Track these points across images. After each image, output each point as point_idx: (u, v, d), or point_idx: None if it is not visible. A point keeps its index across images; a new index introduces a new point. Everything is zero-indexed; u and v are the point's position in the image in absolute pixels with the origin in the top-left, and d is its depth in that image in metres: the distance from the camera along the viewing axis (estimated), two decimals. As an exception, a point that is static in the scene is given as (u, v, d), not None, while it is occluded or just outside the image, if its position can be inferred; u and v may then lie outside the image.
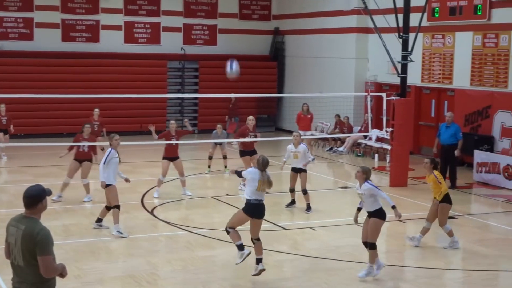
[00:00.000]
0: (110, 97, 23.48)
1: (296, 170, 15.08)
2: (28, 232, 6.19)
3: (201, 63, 28.65)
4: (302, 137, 22.52)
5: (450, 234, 12.48)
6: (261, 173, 10.21)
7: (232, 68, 15.89)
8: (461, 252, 12.63)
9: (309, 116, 22.56)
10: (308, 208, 14.92)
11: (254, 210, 10.21)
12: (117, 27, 27.68)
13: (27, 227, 6.22)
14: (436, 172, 12.54)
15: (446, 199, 12.51)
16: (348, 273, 10.80)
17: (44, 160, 20.88)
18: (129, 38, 27.96)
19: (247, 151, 16.77)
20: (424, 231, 12.59)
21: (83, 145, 15.56)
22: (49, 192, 6.45)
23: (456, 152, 17.82)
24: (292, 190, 15.19)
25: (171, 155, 16.15)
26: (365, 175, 10.60)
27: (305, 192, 14.89)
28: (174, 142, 16.05)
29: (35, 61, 26.12)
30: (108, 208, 12.98)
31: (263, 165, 10.21)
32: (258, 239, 10.31)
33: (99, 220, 13.19)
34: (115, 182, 12.82)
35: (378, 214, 10.53)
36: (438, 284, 10.50)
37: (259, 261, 10.24)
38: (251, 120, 16.96)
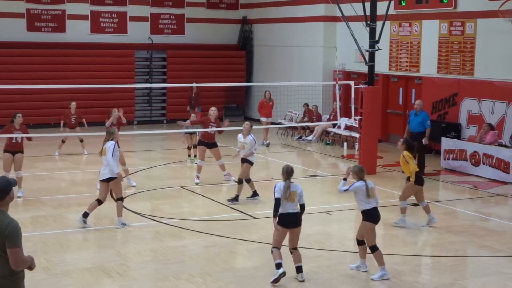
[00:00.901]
0: (77, 87, 23.33)
1: (242, 160, 14.89)
2: (-3, 224, 6.12)
3: (169, 52, 28.50)
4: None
5: (427, 210, 12.95)
6: (286, 183, 9.86)
7: None
8: (429, 238, 12.76)
9: (271, 103, 23.38)
10: (254, 194, 14.80)
11: (291, 220, 9.87)
12: (83, 17, 27.40)
13: (-5, 220, 6.15)
14: (405, 152, 12.69)
15: (418, 180, 12.76)
16: (317, 261, 10.86)
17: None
18: (96, 27, 27.70)
19: (206, 142, 16.67)
20: (403, 210, 12.93)
21: (16, 136, 14.92)
22: (14, 183, 6.39)
23: (424, 140, 17.96)
24: (240, 182, 14.77)
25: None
26: (355, 175, 10.35)
27: (240, 181, 14.61)
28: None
29: None
30: (99, 201, 12.75)
31: (287, 174, 9.90)
32: (296, 249, 10.06)
33: (86, 215, 12.76)
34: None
35: (364, 216, 10.30)
36: (407, 270, 10.58)
37: (299, 269, 10.00)
38: (213, 111, 16.86)
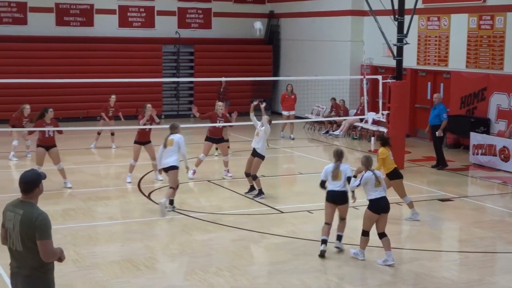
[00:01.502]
0: (104, 81, 23.44)
1: (253, 153, 14.60)
2: (27, 216, 6.19)
3: (196, 47, 28.55)
4: (287, 116, 23.15)
5: (410, 206, 12.91)
6: (336, 164, 10.80)
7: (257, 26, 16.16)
8: (457, 234, 12.69)
9: (292, 96, 23.52)
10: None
11: (338, 197, 10.75)
12: (111, 11, 27.54)
13: (25, 212, 6.22)
14: (380, 150, 12.76)
15: (395, 175, 12.77)
16: (345, 255, 10.83)
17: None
18: (124, 22, 27.84)
19: (212, 137, 16.66)
20: (410, 205, 13.03)
21: (48, 130, 15.11)
22: (44, 176, 6.45)
23: (438, 132, 17.91)
24: (248, 175, 14.75)
25: (214, 135, 16.50)
26: (363, 165, 10.70)
27: (248, 175, 14.59)
28: (220, 124, 16.47)
29: (28, 46, 25.97)
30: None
31: (338, 156, 10.89)
32: (344, 219, 11.00)
33: (171, 202, 13.39)
34: None
35: (369, 205, 10.54)
36: (435, 266, 10.53)
37: (339, 238, 10.99)
38: (220, 106, 16.85)
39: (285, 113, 23.75)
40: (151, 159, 16.07)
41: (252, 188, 14.82)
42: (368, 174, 10.53)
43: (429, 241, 11.82)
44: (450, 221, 13.42)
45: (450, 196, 15.12)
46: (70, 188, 15.18)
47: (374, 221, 10.55)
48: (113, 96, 21.20)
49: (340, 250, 10.94)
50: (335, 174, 10.75)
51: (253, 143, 14.66)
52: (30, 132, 15.26)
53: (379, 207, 10.48)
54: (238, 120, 17.07)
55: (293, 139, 22.80)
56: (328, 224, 10.84)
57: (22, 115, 18.85)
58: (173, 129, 13.69)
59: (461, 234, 12.60)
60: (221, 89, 24.73)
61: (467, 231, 12.63)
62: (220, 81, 24.34)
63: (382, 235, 10.51)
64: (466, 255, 11.17)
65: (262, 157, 14.52)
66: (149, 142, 16.10)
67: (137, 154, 15.94)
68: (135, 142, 16.07)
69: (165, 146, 13.40)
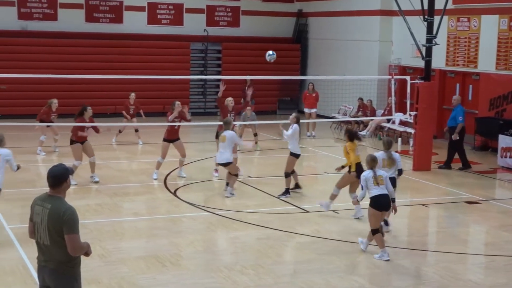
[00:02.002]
0: (133, 78, 23.60)
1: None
2: (55, 211, 6.25)
3: (224, 45, 28.60)
4: (309, 114, 23.25)
5: (355, 203, 12.70)
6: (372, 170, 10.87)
7: (270, 55, 16.32)
8: (484, 237, 12.58)
9: (314, 94, 23.77)
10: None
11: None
12: (140, 8, 27.69)
13: (53, 206, 6.28)
14: (348, 143, 12.97)
15: (358, 172, 12.57)
16: (370, 256, 10.80)
17: (67, 140, 20.97)
18: (152, 19, 27.98)
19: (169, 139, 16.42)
20: (333, 196, 13.03)
21: (86, 127, 15.48)
22: (71, 171, 6.51)
23: (453, 136, 17.85)
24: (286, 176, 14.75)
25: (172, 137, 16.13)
26: (367, 164, 10.92)
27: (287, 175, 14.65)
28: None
29: (58, 42, 26.22)
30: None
31: (389, 144, 11.93)
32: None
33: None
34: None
35: (370, 202, 10.70)
36: (460, 268, 10.46)
37: (385, 222, 11.70)
38: (230, 101, 16.87)
39: (306, 110, 24.00)
40: (181, 156, 16.14)
41: (297, 186, 14.89)
42: (368, 172, 10.71)
43: (455, 244, 11.73)
44: (477, 223, 13.32)
45: (477, 198, 14.99)
46: (97, 182, 15.29)
47: (379, 218, 10.63)
48: (133, 94, 21.33)
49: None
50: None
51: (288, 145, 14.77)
52: (81, 129, 15.41)
53: (382, 203, 10.59)
54: (263, 118, 17.05)
55: (313, 136, 22.88)
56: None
57: (50, 110, 19.01)
58: (227, 125, 14.31)
59: (487, 237, 12.49)
60: (246, 88, 24.76)
61: (494, 234, 12.51)
62: (245, 79, 24.37)
63: (377, 231, 10.65)
64: (493, 258, 11.07)
65: (295, 156, 14.56)
66: (178, 139, 16.13)
67: (165, 151, 15.99)
68: (164, 140, 16.11)
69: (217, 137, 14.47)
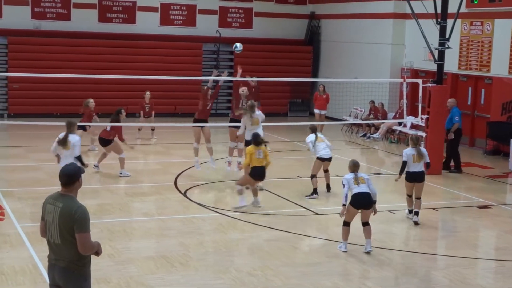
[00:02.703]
0: (145, 78, 23.66)
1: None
2: (66, 209, 6.28)
3: (236, 46, 28.59)
4: (319, 115, 23.38)
5: (240, 192, 13.46)
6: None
7: (237, 47, 16.68)
8: (494, 241, 12.54)
9: (324, 96, 23.75)
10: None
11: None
12: (153, 9, 27.76)
13: (64, 205, 6.31)
14: (249, 147, 13.49)
15: (252, 174, 13.39)
16: (379, 259, 10.78)
17: (81, 139, 21.05)
18: (165, 20, 28.04)
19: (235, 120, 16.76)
20: (240, 191, 13.51)
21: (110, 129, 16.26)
22: (83, 170, 6.55)
23: (448, 135, 17.95)
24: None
25: (237, 118, 16.65)
26: (349, 168, 11.33)
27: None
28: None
29: (71, 41, 26.32)
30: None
31: (417, 140, 13.01)
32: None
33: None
34: None
35: (351, 200, 11.09)
36: (470, 273, 10.42)
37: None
38: (243, 90, 17.18)
39: (316, 111, 24.06)
40: (206, 141, 16.40)
41: (328, 187, 15.22)
42: (350, 175, 11.15)
43: (465, 248, 11.69)
44: (487, 228, 13.27)
45: (488, 203, 14.94)
46: (128, 176, 15.57)
47: (353, 214, 11.07)
48: (148, 93, 21.53)
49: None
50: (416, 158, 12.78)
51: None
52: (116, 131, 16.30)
53: (359, 202, 10.96)
54: (274, 120, 17.06)
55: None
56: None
57: (90, 110, 19.25)
58: (252, 108, 15.05)
59: (498, 242, 12.45)
60: (253, 89, 24.76)
61: (504, 239, 12.46)
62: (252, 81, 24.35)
63: (365, 224, 11.10)
64: (503, 263, 11.03)
65: (320, 159, 14.86)
66: (206, 122, 16.44)
67: (198, 136, 16.34)
68: (195, 121, 16.37)
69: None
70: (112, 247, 10.83)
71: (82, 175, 6.52)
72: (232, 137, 16.76)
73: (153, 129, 21.43)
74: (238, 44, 17.35)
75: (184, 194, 14.74)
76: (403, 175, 13.09)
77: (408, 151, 12.97)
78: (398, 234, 12.57)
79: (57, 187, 6.51)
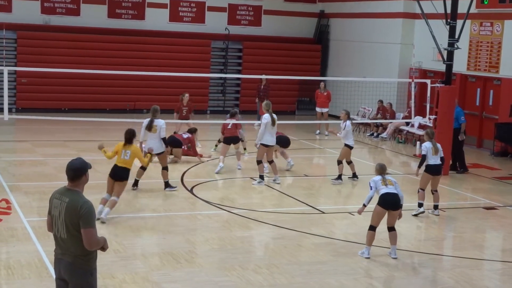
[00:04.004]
0: (153, 74, 23.69)
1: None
2: (72, 204, 6.29)
3: (245, 43, 28.61)
4: (320, 113, 23.58)
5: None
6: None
7: None
8: (501, 243, 12.50)
9: (325, 93, 24.06)
10: None
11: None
12: (162, 5, 27.76)
13: (71, 200, 6.32)
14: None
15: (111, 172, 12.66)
16: (385, 258, 10.76)
17: (87, 134, 21.15)
18: (174, 16, 28.05)
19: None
20: (103, 201, 12.23)
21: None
22: (90, 166, 6.55)
23: (459, 136, 17.94)
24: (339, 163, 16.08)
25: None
26: (376, 171, 11.22)
27: (339, 162, 15.80)
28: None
29: (81, 37, 26.33)
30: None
31: (432, 134, 13.27)
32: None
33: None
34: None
35: (378, 200, 10.91)
36: (476, 274, 10.40)
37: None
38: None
39: (318, 109, 24.19)
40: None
41: (354, 175, 16.14)
42: (377, 177, 10.99)
43: (471, 249, 11.66)
44: (494, 229, 13.23)
45: (495, 204, 14.89)
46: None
47: (381, 216, 10.79)
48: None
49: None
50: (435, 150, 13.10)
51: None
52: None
53: (387, 201, 10.74)
54: (282, 118, 17.03)
55: (327, 135, 22.91)
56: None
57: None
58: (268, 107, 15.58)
59: (504, 244, 12.41)
60: (261, 87, 24.79)
61: (511, 240, 12.43)
62: (260, 79, 24.38)
63: (391, 229, 10.88)
64: (510, 265, 10.99)
65: (348, 147, 15.97)
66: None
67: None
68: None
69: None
70: (118, 243, 10.84)
71: (89, 170, 6.53)
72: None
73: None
74: None
75: (191, 191, 14.74)
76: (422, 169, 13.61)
77: (427, 145, 13.39)
78: (404, 234, 12.53)
79: (63, 182, 6.53)
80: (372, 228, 10.80)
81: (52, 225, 6.48)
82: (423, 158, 13.47)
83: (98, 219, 11.46)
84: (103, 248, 6.48)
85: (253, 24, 29.15)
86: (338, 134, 16.21)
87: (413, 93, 20.91)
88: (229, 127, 16.80)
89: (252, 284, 9.44)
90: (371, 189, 10.89)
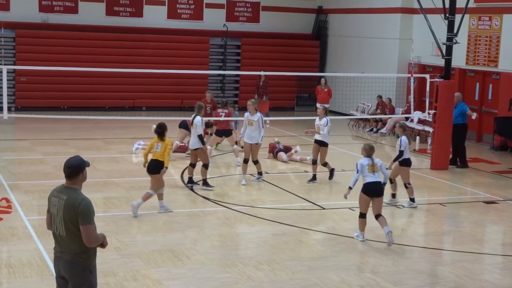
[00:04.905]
0: (152, 72, 23.66)
1: (317, 142, 15.48)
2: (70, 202, 6.30)
3: (243, 40, 28.59)
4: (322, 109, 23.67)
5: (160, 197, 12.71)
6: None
7: None
8: (501, 237, 12.51)
9: (326, 89, 23.89)
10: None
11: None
12: (160, 3, 27.74)
13: (69, 197, 6.33)
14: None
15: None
16: (385, 254, 10.77)
17: (87, 133, 21.15)
18: (172, 13, 28.01)
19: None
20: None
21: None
22: (87, 164, 6.55)
23: (473, 116, 18.42)
24: (314, 162, 15.60)
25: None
26: (364, 151, 11.61)
27: (314, 162, 15.53)
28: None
29: (79, 35, 26.31)
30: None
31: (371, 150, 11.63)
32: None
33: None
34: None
35: (362, 188, 11.27)
36: (477, 268, 10.40)
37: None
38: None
39: (318, 106, 23.98)
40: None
41: (314, 177, 15.54)
42: (364, 160, 11.32)
43: (471, 243, 11.67)
44: (494, 224, 13.24)
45: (495, 198, 14.90)
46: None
47: (368, 203, 11.19)
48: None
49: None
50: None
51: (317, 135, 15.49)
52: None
53: (372, 190, 11.10)
54: (281, 115, 17.04)
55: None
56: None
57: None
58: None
59: (505, 238, 12.42)
60: (260, 83, 24.76)
61: (511, 234, 12.43)
62: (259, 75, 24.35)
63: (377, 216, 11.17)
64: (510, 259, 11.00)
65: (326, 145, 15.53)
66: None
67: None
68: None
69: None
70: (118, 241, 10.84)
71: (88, 168, 6.53)
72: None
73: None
74: None
75: (191, 188, 14.73)
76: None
77: (406, 139, 13.37)
78: (404, 229, 12.55)
79: (63, 180, 6.52)
80: (362, 215, 11.26)
81: (51, 223, 6.49)
82: (401, 153, 13.40)
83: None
84: (103, 244, 6.48)
85: (251, 21, 29.12)
86: (321, 132, 15.35)
87: (412, 88, 20.90)
88: (221, 119, 16.96)
89: (253, 280, 9.45)
90: (357, 172, 11.21)
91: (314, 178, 15.60)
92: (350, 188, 11.35)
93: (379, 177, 11.18)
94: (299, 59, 28.84)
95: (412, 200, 13.63)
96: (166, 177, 15.56)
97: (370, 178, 11.13)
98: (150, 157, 12.63)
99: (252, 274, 9.67)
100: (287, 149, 18.17)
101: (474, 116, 18.27)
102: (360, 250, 10.93)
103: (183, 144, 17.87)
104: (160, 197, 12.64)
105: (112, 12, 27.14)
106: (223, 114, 17.46)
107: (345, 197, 11.47)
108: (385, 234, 10.99)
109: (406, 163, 13.48)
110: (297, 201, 14.02)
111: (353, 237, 11.52)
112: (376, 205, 11.20)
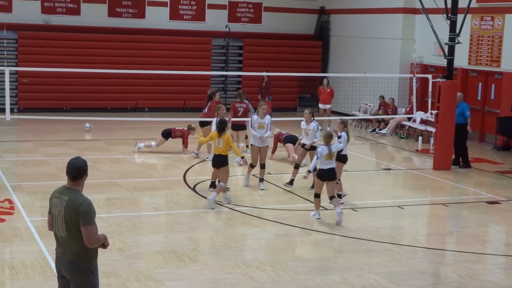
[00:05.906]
0: (154, 73, 23.67)
1: (303, 146, 15.22)
2: (71, 202, 6.31)
3: (246, 41, 28.60)
4: (323, 109, 23.41)
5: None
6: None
7: None
8: (504, 237, 12.50)
9: (328, 90, 24.01)
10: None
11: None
12: (162, 4, 27.75)
13: (70, 198, 6.33)
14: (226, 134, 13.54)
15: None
16: (388, 254, 10.76)
17: (89, 134, 21.16)
18: (175, 14, 28.03)
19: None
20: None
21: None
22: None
23: (468, 128, 18.18)
24: (297, 167, 15.22)
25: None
26: (324, 139, 12.46)
27: (297, 166, 15.20)
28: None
29: (81, 36, 26.34)
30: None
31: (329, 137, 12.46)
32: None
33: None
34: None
35: (318, 173, 12.45)
36: (479, 268, 10.39)
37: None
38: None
39: (321, 106, 24.13)
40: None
41: (291, 182, 15.13)
42: (323, 148, 12.26)
43: (474, 244, 11.66)
44: (497, 224, 13.22)
45: (497, 198, 14.89)
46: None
47: (322, 185, 12.40)
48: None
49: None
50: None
51: (304, 140, 15.09)
52: None
53: (326, 175, 12.29)
54: (283, 115, 17.04)
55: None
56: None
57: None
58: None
59: (507, 238, 12.40)
60: (263, 84, 24.75)
61: (514, 235, 12.42)
62: (262, 75, 24.35)
63: (331, 198, 12.36)
64: (512, 259, 10.99)
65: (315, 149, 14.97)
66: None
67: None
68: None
69: None
70: (121, 242, 10.85)
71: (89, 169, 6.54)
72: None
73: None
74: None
75: (193, 189, 14.74)
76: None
77: (345, 135, 13.55)
78: (407, 229, 12.54)
79: (66, 181, 6.52)
80: (317, 195, 12.52)
81: (53, 224, 6.50)
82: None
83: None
84: (104, 245, 6.49)
85: (253, 21, 29.13)
86: (315, 140, 14.85)
87: (414, 88, 20.88)
88: (239, 114, 17.77)
89: (256, 281, 9.45)
90: (317, 158, 12.28)
91: (291, 182, 15.09)
92: (309, 171, 12.73)
93: (333, 163, 12.34)
94: (301, 60, 28.84)
95: (339, 196, 13.51)
96: (169, 178, 15.62)
97: (325, 165, 12.25)
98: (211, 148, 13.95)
99: (254, 275, 9.67)
100: (293, 138, 18.02)
101: (469, 128, 18.25)
102: (362, 251, 10.93)
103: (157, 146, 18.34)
104: (224, 190, 13.36)
105: (114, 14, 27.15)
106: (242, 109, 18.05)
107: (304, 178, 13.10)
108: (336, 214, 12.14)
109: (342, 159, 13.55)
110: (299, 201, 14.02)
111: (355, 238, 11.52)
112: (329, 188, 12.32)
